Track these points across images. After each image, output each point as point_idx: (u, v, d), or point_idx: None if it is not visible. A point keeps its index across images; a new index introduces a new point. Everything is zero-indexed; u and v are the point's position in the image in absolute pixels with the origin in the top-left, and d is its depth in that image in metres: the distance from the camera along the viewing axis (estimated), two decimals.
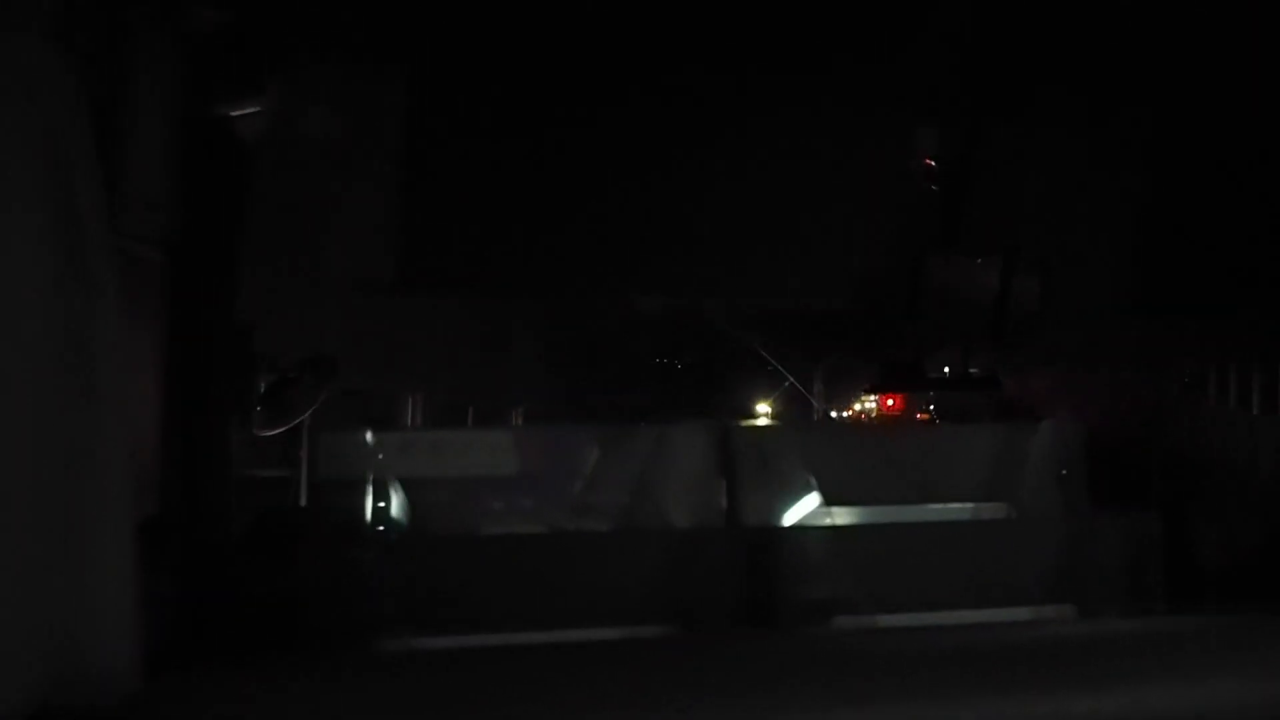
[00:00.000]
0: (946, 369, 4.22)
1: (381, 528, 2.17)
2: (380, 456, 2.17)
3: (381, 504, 2.17)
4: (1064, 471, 2.43)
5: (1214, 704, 1.72)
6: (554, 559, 2.09)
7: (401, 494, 2.18)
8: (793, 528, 2.25)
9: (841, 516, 2.33)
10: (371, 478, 2.18)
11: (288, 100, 3.32)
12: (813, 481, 2.32)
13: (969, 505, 2.41)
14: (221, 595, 2.35)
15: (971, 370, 4.85)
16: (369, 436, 2.18)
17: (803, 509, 2.31)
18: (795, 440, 2.35)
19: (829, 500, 2.32)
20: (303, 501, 2.23)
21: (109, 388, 1.39)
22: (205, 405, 3.13)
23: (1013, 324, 4.03)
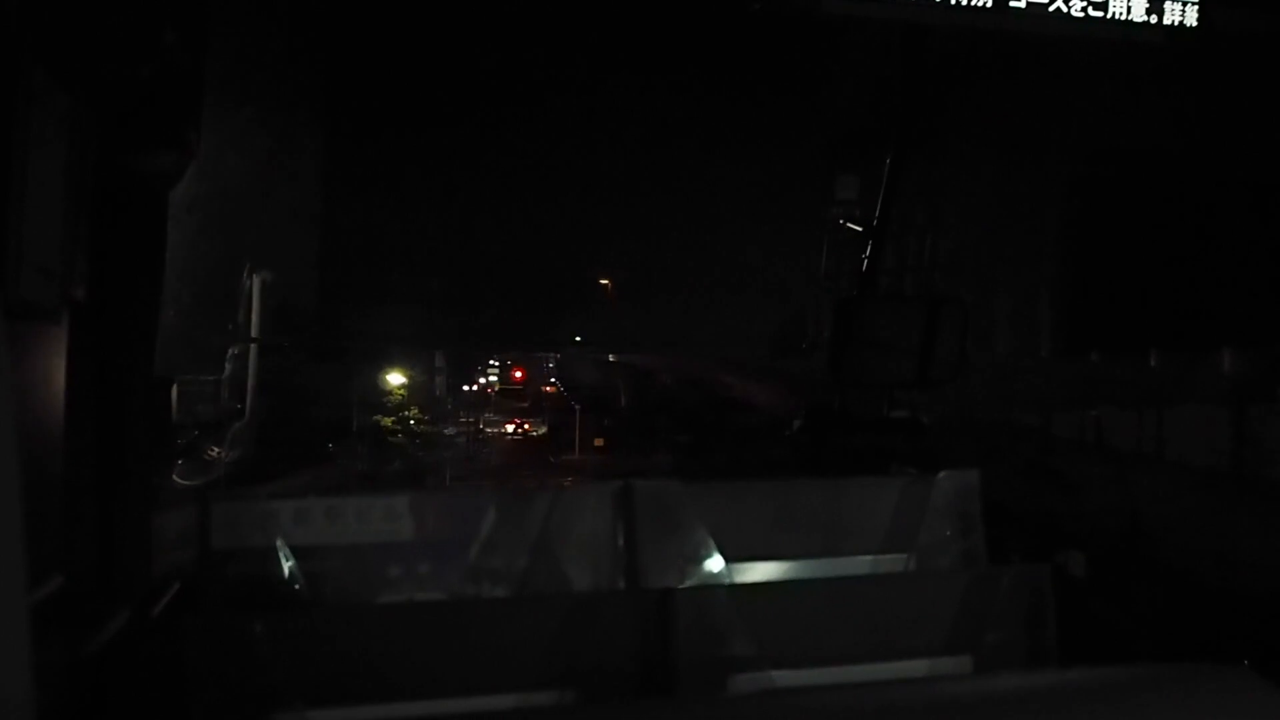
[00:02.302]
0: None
1: (276, 597, 2.15)
2: (274, 525, 2.15)
3: (276, 573, 2.15)
4: (962, 523, 2.46)
5: None
6: (450, 626, 2.08)
7: (297, 562, 2.16)
8: (693, 588, 2.25)
9: (744, 574, 2.34)
10: (265, 546, 2.15)
11: (198, 160, 3.32)
12: (715, 539, 2.33)
13: (869, 558, 2.43)
14: (118, 667, 2.31)
15: (896, 413, 4.93)
16: (263, 504, 2.16)
17: (705, 568, 2.32)
18: (697, 497, 2.36)
19: (731, 558, 2.33)
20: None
21: (4, 463, 1.38)
22: (115, 472, 3.08)
23: (935, 369, 4.11)
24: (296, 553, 2.15)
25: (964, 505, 2.50)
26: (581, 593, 2.18)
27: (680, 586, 2.20)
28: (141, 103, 3.16)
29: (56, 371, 2.81)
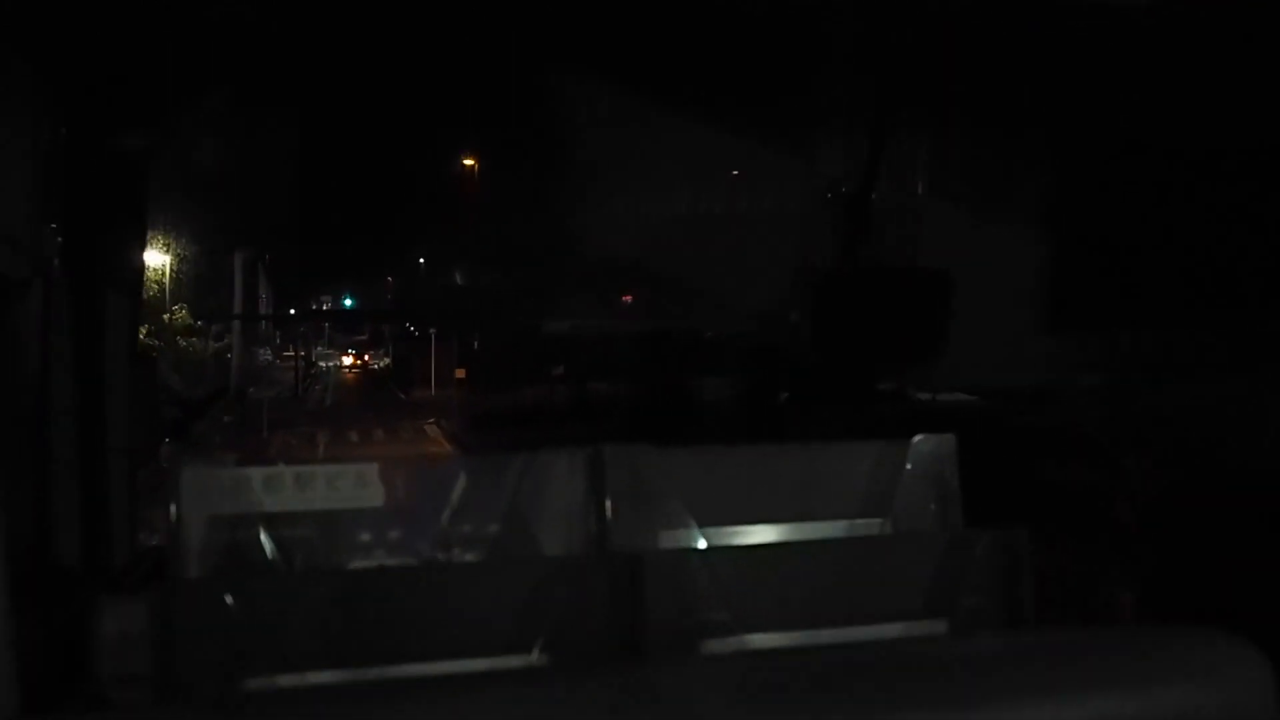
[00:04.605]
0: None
1: (246, 565, 2.15)
2: (245, 493, 2.15)
3: (246, 539, 2.15)
4: (938, 487, 2.46)
5: (1088, 716, 1.75)
6: (420, 591, 2.08)
7: (267, 528, 2.16)
8: (664, 552, 2.25)
9: (717, 539, 2.33)
10: (236, 513, 2.15)
11: (168, 133, 3.32)
12: (688, 504, 2.32)
13: (844, 523, 2.42)
14: (92, 638, 2.31)
15: (881, 386, 4.93)
16: (232, 471, 2.16)
17: (677, 532, 2.31)
18: (669, 462, 2.35)
19: (704, 522, 2.32)
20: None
21: None
22: (93, 446, 3.09)
23: (918, 343, 4.10)
24: (266, 519, 2.15)
25: (940, 469, 2.49)
26: (552, 557, 2.18)
27: (651, 551, 2.19)
28: (113, 79, 3.15)
29: (32, 345, 2.81)
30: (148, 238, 3.55)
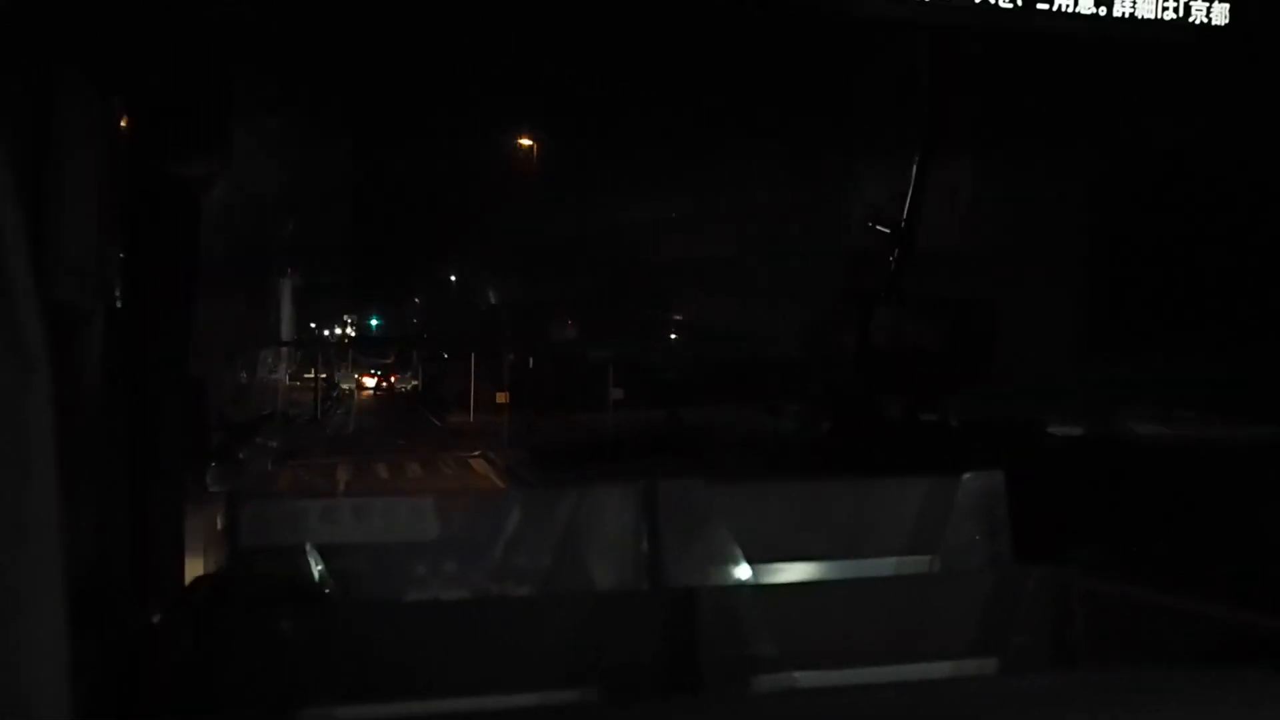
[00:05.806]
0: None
1: (304, 595, 2.18)
2: (303, 524, 2.18)
3: (304, 571, 2.18)
4: (987, 524, 2.45)
5: None
6: (474, 624, 2.10)
7: (324, 561, 2.19)
8: (716, 588, 2.26)
9: (768, 574, 2.34)
10: (294, 545, 2.18)
11: (231, 163, 3.37)
12: (739, 539, 2.33)
13: (893, 559, 2.42)
14: (149, 661, 2.35)
15: (922, 414, 4.91)
16: (291, 504, 2.19)
17: (728, 567, 2.32)
18: (722, 496, 2.36)
19: (754, 558, 2.33)
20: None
21: (44, 463, 1.41)
22: (148, 470, 3.14)
23: (963, 372, 4.09)
24: (324, 551, 2.18)
25: (989, 506, 2.49)
26: (605, 591, 2.20)
27: (704, 586, 2.20)
28: (175, 109, 3.21)
29: (93, 372, 2.86)
30: (198, 264, 3.60)
